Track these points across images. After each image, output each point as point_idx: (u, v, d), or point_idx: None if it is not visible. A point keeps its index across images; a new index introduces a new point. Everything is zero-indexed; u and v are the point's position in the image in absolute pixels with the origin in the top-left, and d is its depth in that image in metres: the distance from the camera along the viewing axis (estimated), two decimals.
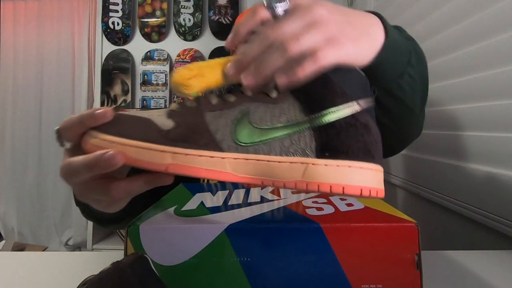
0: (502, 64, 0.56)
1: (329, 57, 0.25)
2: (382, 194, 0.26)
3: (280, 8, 0.26)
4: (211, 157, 0.26)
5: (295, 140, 0.26)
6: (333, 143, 0.26)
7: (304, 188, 0.25)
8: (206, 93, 0.28)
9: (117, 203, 0.30)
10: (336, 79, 0.27)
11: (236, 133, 0.26)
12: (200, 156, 0.25)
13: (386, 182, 1.08)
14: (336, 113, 0.26)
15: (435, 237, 0.79)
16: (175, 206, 0.35)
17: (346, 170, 0.25)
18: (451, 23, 0.72)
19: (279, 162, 0.26)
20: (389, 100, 0.38)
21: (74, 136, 0.26)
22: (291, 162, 0.26)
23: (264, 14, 0.26)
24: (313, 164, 0.25)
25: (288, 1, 0.26)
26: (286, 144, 0.26)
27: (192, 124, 0.26)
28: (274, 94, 0.28)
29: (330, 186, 0.25)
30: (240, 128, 0.26)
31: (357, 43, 0.28)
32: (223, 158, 0.26)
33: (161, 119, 0.27)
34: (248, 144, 0.26)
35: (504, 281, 0.34)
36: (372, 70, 0.31)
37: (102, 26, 1.81)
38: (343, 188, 0.25)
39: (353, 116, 0.26)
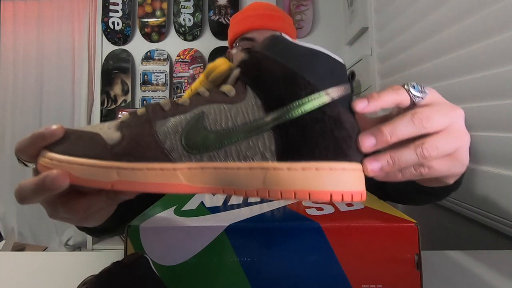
0: (502, 64, 0.56)
1: (441, 172, 0.26)
2: (359, 197, 0.23)
3: (417, 99, 0.26)
4: (161, 169, 0.23)
5: (252, 142, 0.23)
6: (295, 143, 0.23)
7: (266, 196, 0.22)
8: (160, 100, 0.26)
9: (91, 218, 0.28)
10: (297, 68, 0.24)
11: (188, 140, 0.24)
12: (148, 169, 0.23)
13: None
14: (299, 108, 0.23)
15: (435, 237, 0.79)
16: (175, 206, 0.35)
17: (313, 173, 0.22)
18: (451, 23, 0.72)
19: (237, 168, 0.23)
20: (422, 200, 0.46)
21: (29, 157, 0.25)
22: (250, 168, 0.23)
23: (405, 98, 0.26)
24: (274, 168, 0.23)
25: (426, 93, 0.26)
26: (243, 148, 0.23)
27: (138, 135, 0.24)
28: (232, 93, 0.25)
29: (294, 193, 0.22)
30: (192, 134, 0.24)
31: (464, 166, 0.28)
32: (174, 169, 0.23)
33: (110, 133, 0.25)
34: (202, 151, 0.23)
35: (504, 281, 0.34)
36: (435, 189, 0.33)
37: (102, 26, 1.81)
38: (309, 194, 0.22)
39: (319, 109, 0.23)
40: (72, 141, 0.24)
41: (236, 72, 0.26)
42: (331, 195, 0.22)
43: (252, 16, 0.74)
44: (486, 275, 0.35)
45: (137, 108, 0.25)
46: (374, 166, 0.24)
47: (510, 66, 0.54)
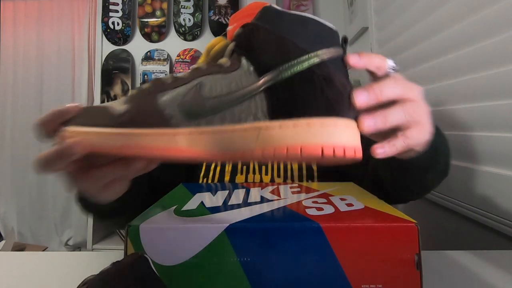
0: (502, 64, 0.56)
1: (418, 139, 0.30)
2: (353, 152, 0.24)
3: (391, 70, 0.30)
4: (162, 134, 0.25)
5: (246, 105, 0.25)
6: (286, 103, 0.24)
7: (260, 155, 0.23)
8: (164, 75, 0.29)
9: (107, 190, 0.32)
10: (287, 33, 0.26)
11: (186, 107, 0.26)
12: (150, 135, 0.26)
13: None
14: (289, 70, 0.24)
15: (435, 237, 0.79)
16: (175, 206, 0.35)
17: (304, 128, 0.23)
18: (451, 23, 0.72)
19: (232, 131, 0.25)
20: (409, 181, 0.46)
21: (49, 131, 0.29)
22: (244, 130, 0.24)
23: (384, 65, 0.30)
24: (266, 127, 0.24)
25: (397, 69, 0.31)
26: (237, 111, 0.25)
27: (141, 105, 0.27)
28: (227, 64, 0.27)
29: (287, 148, 0.23)
30: (190, 101, 0.26)
31: (429, 133, 0.31)
32: (174, 134, 0.25)
33: (117, 105, 0.28)
34: (200, 117, 0.25)
35: (504, 281, 0.34)
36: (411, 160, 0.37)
37: (102, 26, 1.81)
38: (300, 148, 0.23)
39: (309, 70, 0.24)
40: (86, 115, 0.28)
41: (231, 45, 0.28)
42: (322, 148, 0.23)
43: (252, 15, 0.74)
44: (486, 275, 0.36)
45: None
46: (370, 122, 0.27)
47: (510, 66, 0.54)
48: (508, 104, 0.55)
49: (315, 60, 0.24)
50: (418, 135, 0.29)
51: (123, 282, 0.21)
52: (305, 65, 0.24)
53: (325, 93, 0.24)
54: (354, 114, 0.26)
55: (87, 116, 0.28)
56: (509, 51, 0.54)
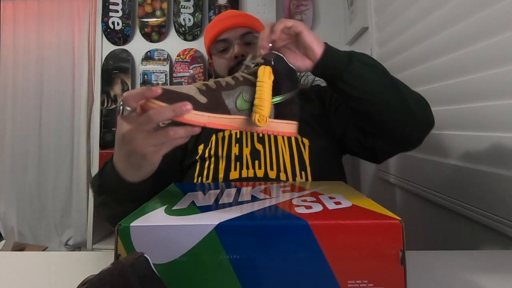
0: (502, 64, 0.56)
1: (301, 28, 0.50)
2: (293, 134, 0.47)
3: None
4: (225, 118, 0.42)
5: None
6: (281, 111, 0.46)
7: (266, 131, 0.45)
8: (219, 79, 0.45)
9: (153, 157, 0.43)
10: (284, 81, 0.46)
11: (237, 104, 0.44)
12: (220, 117, 0.42)
13: (386, 182, 1.07)
14: (282, 97, 0.46)
15: (435, 237, 0.79)
16: (166, 206, 0.35)
17: (283, 124, 0.45)
18: (451, 23, 0.72)
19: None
20: (350, 88, 0.53)
21: (132, 104, 0.40)
22: (260, 120, 0.43)
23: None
24: (271, 121, 0.45)
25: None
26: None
27: (216, 100, 0.43)
28: (255, 81, 0.45)
29: (277, 132, 0.45)
30: (238, 101, 0.44)
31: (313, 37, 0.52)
32: (231, 118, 0.43)
33: (198, 96, 0.42)
34: (242, 110, 0.44)
35: (503, 281, 0.34)
36: (327, 65, 0.52)
37: (102, 26, 1.81)
38: (278, 132, 0.45)
39: (291, 98, 0.47)
40: (174, 98, 0.40)
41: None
42: (285, 133, 0.45)
43: (223, 19, 0.80)
44: (485, 275, 0.36)
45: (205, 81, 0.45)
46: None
47: (510, 66, 0.54)
48: (508, 104, 0.55)
49: (293, 94, 0.47)
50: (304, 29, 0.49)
51: (123, 282, 0.21)
52: (289, 95, 0.47)
53: (295, 110, 0.47)
54: (297, 119, 0.47)
55: (176, 99, 0.40)
56: (509, 51, 0.55)
